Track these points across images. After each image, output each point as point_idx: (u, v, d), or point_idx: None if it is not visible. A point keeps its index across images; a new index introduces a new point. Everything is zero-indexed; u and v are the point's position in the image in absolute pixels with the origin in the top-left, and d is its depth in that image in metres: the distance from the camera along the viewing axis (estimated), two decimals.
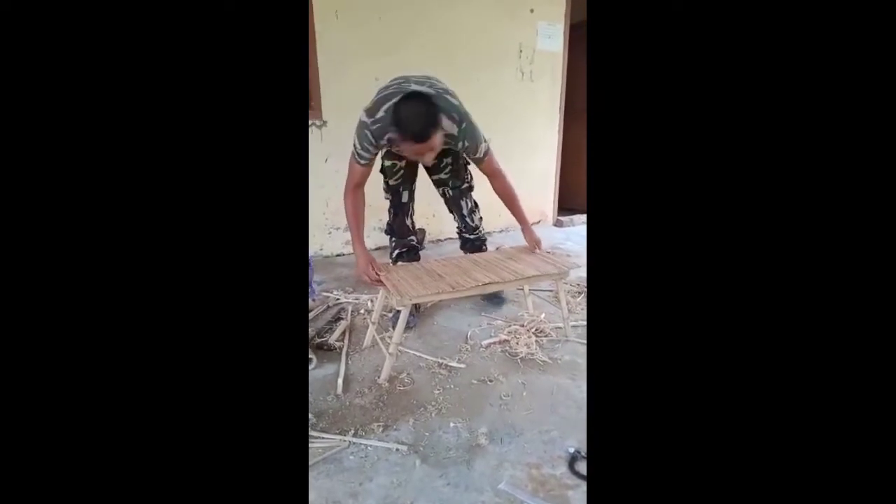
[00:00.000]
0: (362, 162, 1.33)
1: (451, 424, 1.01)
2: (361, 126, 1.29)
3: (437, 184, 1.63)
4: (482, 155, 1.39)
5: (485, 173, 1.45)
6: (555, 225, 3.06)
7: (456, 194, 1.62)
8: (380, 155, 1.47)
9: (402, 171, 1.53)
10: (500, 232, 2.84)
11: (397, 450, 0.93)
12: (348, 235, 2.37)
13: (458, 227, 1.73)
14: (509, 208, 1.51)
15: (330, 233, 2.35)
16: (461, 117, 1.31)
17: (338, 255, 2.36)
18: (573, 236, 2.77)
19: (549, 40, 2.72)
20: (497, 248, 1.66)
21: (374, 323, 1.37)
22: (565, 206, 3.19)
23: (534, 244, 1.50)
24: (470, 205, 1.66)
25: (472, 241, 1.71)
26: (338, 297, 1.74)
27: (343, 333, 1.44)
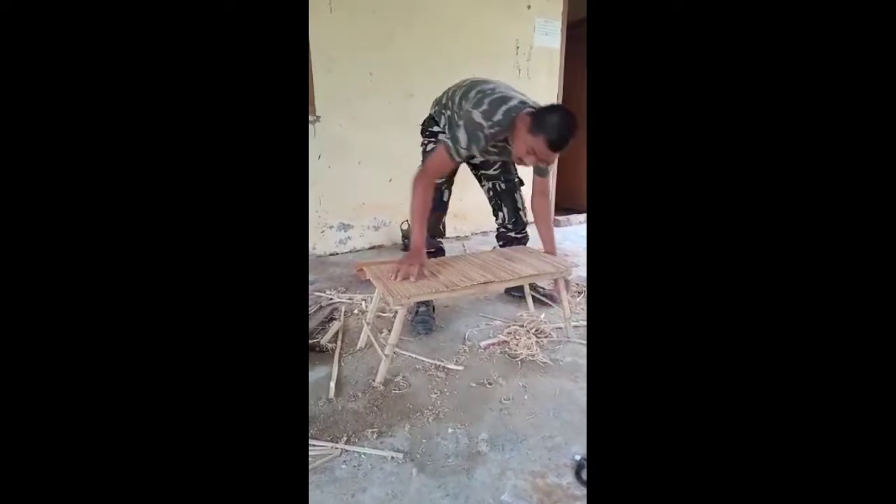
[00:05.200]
0: (457, 158, 1.26)
1: (450, 430, 0.96)
2: (476, 126, 1.22)
3: (486, 178, 1.59)
4: (550, 168, 1.40)
5: (538, 187, 1.47)
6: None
7: (510, 187, 1.58)
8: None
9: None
10: None
11: (392, 458, 0.87)
12: (341, 234, 2.32)
13: (500, 224, 1.65)
14: (543, 232, 1.52)
15: (323, 231, 2.29)
16: None
17: (331, 255, 2.30)
18: (570, 236, 2.73)
19: (547, 37, 2.69)
20: (494, 248, 1.61)
21: (368, 323, 1.32)
22: (562, 206, 3.16)
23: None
24: (523, 198, 1.61)
25: (520, 239, 1.63)
26: (331, 296, 1.68)
27: (336, 334, 1.39)
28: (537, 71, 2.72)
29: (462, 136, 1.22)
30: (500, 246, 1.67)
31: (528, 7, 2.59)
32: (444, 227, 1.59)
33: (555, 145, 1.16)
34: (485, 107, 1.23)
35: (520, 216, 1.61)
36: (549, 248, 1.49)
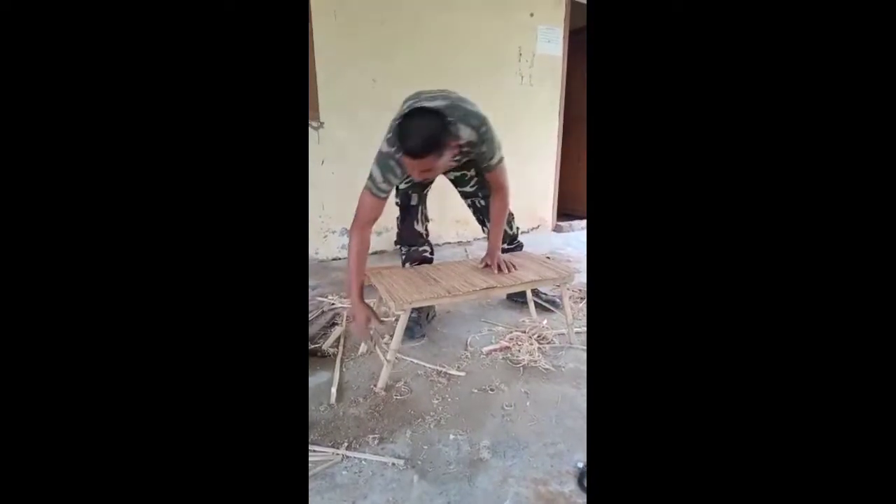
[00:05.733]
0: (381, 195, 1.19)
1: (451, 437, 0.96)
2: (384, 157, 1.17)
3: (465, 196, 1.54)
4: (495, 162, 1.30)
5: (490, 184, 1.37)
6: (554, 230, 3.03)
7: (489, 203, 1.47)
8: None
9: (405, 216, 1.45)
10: None
11: (393, 464, 0.87)
12: (344, 239, 2.33)
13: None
14: (491, 228, 1.42)
15: (325, 236, 2.29)
16: (480, 122, 1.21)
17: (333, 259, 2.31)
18: (573, 241, 2.73)
19: (549, 44, 2.71)
20: None
21: (370, 328, 1.32)
22: (564, 212, 3.16)
23: (492, 260, 1.36)
24: (506, 213, 1.51)
25: (511, 251, 1.59)
26: (332, 302, 1.68)
27: (337, 339, 1.38)
28: (540, 78, 2.73)
29: (375, 171, 1.17)
30: None
31: (531, 15, 2.61)
32: (425, 234, 1.52)
33: (410, 153, 1.04)
34: (389, 134, 1.17)
35: (506, 231, 1.55)
36: (491, 247, 1.40)
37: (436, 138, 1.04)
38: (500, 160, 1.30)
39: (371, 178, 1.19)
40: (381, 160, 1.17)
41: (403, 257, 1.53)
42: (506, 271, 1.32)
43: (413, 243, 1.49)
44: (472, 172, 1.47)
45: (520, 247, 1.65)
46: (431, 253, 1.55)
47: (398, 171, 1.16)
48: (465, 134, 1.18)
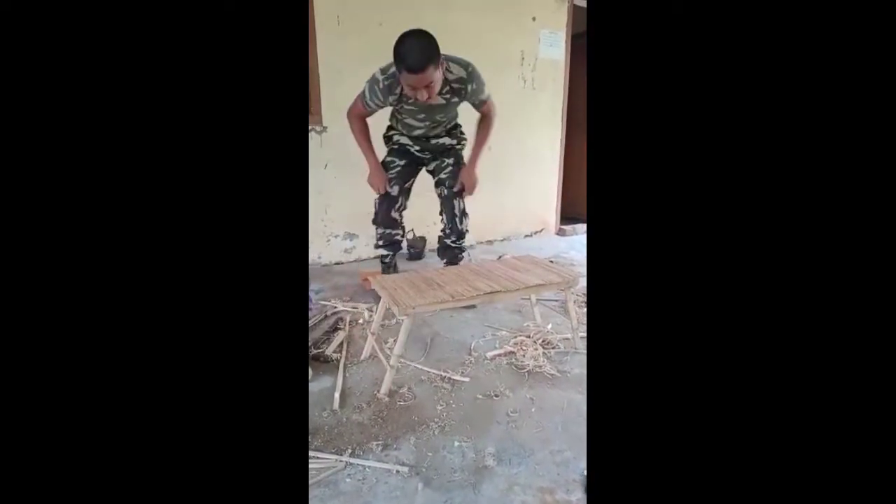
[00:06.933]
0: (368, 108, 1.53)
1: (456, 443, 0.94)
2: (373, 81, 1.45)
3: (437, 183, 1.70)
4: (485, 97, 1.55)
5: (481, 112, 1.62)
6: (557, 234, 3.02)
7: (450, 194, 1.67)
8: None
9: (398, 168, 1.65)
10: (502, 241, 2.79)
11: (398, 472, 0.86)
12: (346, 243, 2.33)
13: (441, 232, 1.76)
14: (475, 147, 1.66)
15: (329, 240, 2.29)
16: (467, 63, 1.44)
17: (336, 264, 2.30)
18: (577, 245, 2.72)
19: (551, 48, 2.71)
20: (499, 258, 1.60)
21: (373, 333, 1.31)
22: (568, 215, 3.15)
23: (468, 183, 1.63)
24: (462, 207, 1.70)
25: (453, 249, 1.74)
26: (335, 306, 1.67)
27: (341, 344, 1.38)
28: (542, 82, 2.73)
29: (366, 89, 1.49)
30: (438, 254, 1.80)
31: (533, 19, 2.61)
32: (399, 221, 1.75)
33: (411, 68, 1.24)
34: (384, 64, 1.43)
35: (455, 224, 1.69)
36: (469, 164, 1.66)
37: (431, 51, 1.25)
38: (489, 96, 1.58)
39: (362, 92, 1.51)
40: (371, 83, 1.48)
41: (378, 237, 1.76)
42: (468, 195, 1.65)
43: (388, 226, 1.72)
44: (452, 160, 1.69)
45: (461, 249, 1.77)
46: (403, 236, 1.83)
47: (380, 95, 1.47)
48: (455, 70, 1.42)
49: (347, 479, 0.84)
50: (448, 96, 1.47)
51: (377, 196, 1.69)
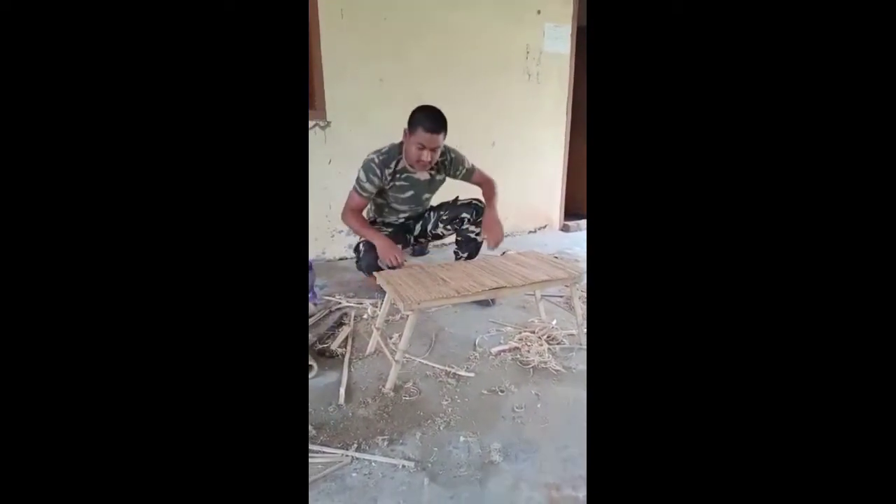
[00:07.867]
0: (364, 194, 1.62)
1: (462, 439, 0.94)
2: (368, 162, 1.59)
3: (434, 226, 1.81)
4: (470, 167, 1.74)
5: (476, 184, 1.78)
6: (561, 230, 3.01)
7: (452, 213, 1.76)
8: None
9: (389, 232, 1.75)
10: (507, 237, 2.78)
11: (403, 466, 0.86)
12: (351, 239, 2.32)
13: (458, 225, 1.80)
14: (484, 196, 1.76)
15: (333, 236, 2.29)
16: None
17: (340, 259, 2.30)
18: (581, 241, 2.70)
19: (556, 42, 2.68)
20: (503, 254, 1.60)
21: (378, 328, 1.31)
22: (572, 211, 3.13)
23: (493, 234, 1.65)
24: (472, 214, 1.76)
25: (475, 241, 1.78)
26: (340, 301, 1.68)
27: (346, 339, 1.38)
28: (547, 76, 2.71)
29: (361, 174, 1.60)
30: (459, 247, 1.84)
31: (538, 12, 2.59)
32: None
33: (430, 128, 1.47)
34: (375, 149, 1.62)
35: (474, 216, 1.76)
36: (488, 221, 1.70)
37: (444, 121, 1.50)
38: (472, 166, 1.75)
39: (357, 180, 1.62)
40: (366, 165, 1.60)
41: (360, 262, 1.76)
42: (492, 247, 1.66)
43: (373, 271, 1.64)
44: (466, 215, 1.77)
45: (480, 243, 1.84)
46: (421, 247, 1.99)
47: (378, 173, 1.58)
48: (441, 139, 1.55)
49: (354, 474, 0.84)
50: (433, 172, 1.67)
51: (361, 240, 1.71)
